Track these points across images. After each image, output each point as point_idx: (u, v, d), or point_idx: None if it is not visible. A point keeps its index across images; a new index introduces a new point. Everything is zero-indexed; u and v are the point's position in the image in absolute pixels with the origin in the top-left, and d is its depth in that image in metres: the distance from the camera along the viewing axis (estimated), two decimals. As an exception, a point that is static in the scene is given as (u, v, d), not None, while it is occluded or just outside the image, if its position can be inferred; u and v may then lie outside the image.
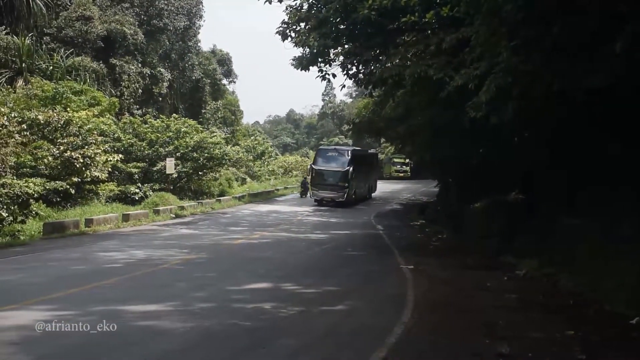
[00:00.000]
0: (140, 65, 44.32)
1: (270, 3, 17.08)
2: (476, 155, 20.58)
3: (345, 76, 18.10)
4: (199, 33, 54.73)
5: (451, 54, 13.44)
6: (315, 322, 9.65)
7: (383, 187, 63.00)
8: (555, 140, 15.56)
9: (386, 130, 32.22)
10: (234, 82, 70.21)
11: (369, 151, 52.91)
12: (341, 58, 17.35)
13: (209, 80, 57.40)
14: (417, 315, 10.09)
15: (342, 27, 16.63)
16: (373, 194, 47.38)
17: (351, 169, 37.71)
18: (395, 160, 71.85)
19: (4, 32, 34.90)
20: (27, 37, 36.62)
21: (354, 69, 18.05)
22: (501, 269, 14.77)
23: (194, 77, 53.76)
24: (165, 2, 47.29)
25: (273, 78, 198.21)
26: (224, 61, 65.41)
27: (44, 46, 38.48)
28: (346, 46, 17.26)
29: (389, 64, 16.39)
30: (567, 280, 12.52)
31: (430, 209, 32.10)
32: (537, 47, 10.25)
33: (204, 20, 65.55)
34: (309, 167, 41.88)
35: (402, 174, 73.32)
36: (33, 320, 8.96)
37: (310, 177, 40.30)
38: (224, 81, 65.16)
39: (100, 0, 43.80)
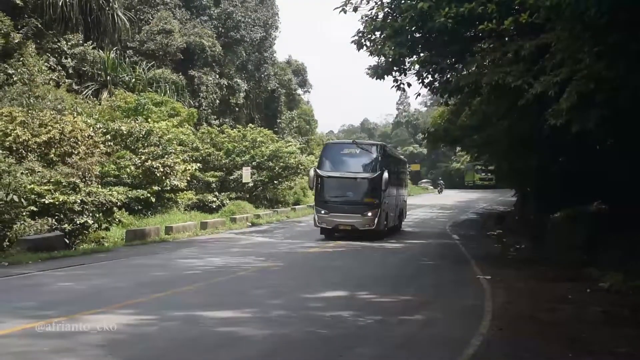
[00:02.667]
0: (217, 76, 45.33)
1: (345, 13, 17.12)
2: (556, 164, 20.03)
3: (421, 85, 17.97)
4: (274, 44, 55.61)
5: (530, 61, 13.16)
6: (392, 331, 9.57)
7: (458, 196, 62.24)
8: (641, 148, 14.96)
9: (462, 139, 31.77)
10: (309, 92, 70.80)
11: (398, 154, 38.43)
12: (417, 67, 17.22)
13: (284, 90, 58.08)
14: (496, 327, 9.87)
15: (417, 35, 16.52)
16: (404, 220, 32.10)
17: (385, 174, 24.42)
18: (480, 167, 65.61)
19: (91, 47, 36.38)
20: (112, 51, 38.11)
21: (430, 77, 17.89)
22: (584, 282, 14.25)
23: (269, 88, 54.49)
24: (242, 14, 48.20)
25: (347, 88, 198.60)
26: (299, 71, 66.07)
27: (127, 59, 39.93)
28: (422, 55, 17.13)
29: (466, 72, 16.20)
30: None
31: (508, 218, 31.42)
32: (623, 52, 9.91)
33: (280, 31, 66.40)
34: (310, 173, 25.81)
35: (487, 182, 69.86)
36: (118, 324, 9.27)
37: (314, 190, 25.98)
38: (299, 91, 65.86)
39: (180, 14, 45.08)
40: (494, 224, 30.70)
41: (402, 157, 40.15)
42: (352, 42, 17.37)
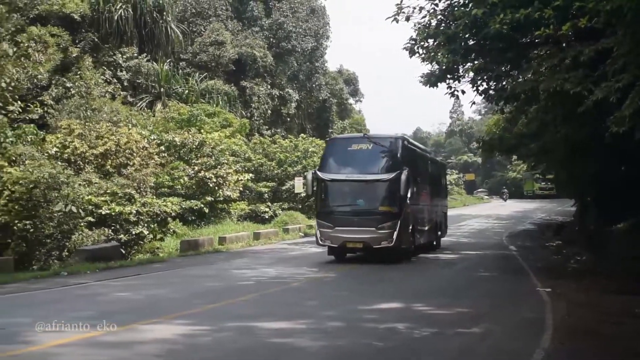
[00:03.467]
0: (269, 86, 45.64)
1: (397, 22, 16.98)
2: (618, 173, 19.43)
3: (475, 92, 17.67)
4: (325, 54, 55.65)
5: (589, 67, 12.76)
6: (449, 344, 9.35)
7: (515, 206, 61.11)
8: None
9: (518, 148, 31.16)
10: (360, 101, 70.68)
11: (431, 154, 30.94)
12: (471, 74, 16.95)
13: (335, 100, 58.09)
14: (558, 341, 9.53)
15: (471, 42, 16.26)
16: (444, 237, 26.85)
17: (406, 175, 19.04)
18: (539, 176, 61.65)
19: (145, 60, 37.08)
20: (166, 63, 38.77)
21: (484, 84, 17.59)
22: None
23: (321, 97, 54.58)
24: (294, 24, 48.45)
25: (399, 97, 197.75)
26: (351, 81, 66.06)
27: (180, 71, 40.59)
28: (476, 62, 16.86)
29: (522, 79, 15.84)
30: None
31: (567, 229, 30.64)
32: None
33: (331, 41, 66.54)
34: (308, 177, 21.06)
35: (547, 192, 67.65)
36: (174, 334, 9.32)
37: (315, 198, 21.27)
38: (351, 100, 65.84)
39: (232, 25, 45.61)
40: (553, 234, 29.97)
41: (435, 156, 32.46)
42: (404, 48, 17.21)
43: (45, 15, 32.97)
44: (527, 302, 13.35)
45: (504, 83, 17.25)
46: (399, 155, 19.81)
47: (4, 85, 22.47)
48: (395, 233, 18.89)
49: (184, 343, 8.97)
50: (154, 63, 38.04)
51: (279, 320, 10.63)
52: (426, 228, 22.82)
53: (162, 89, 38.03)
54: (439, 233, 25.51)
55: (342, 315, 11.29)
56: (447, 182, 32.83)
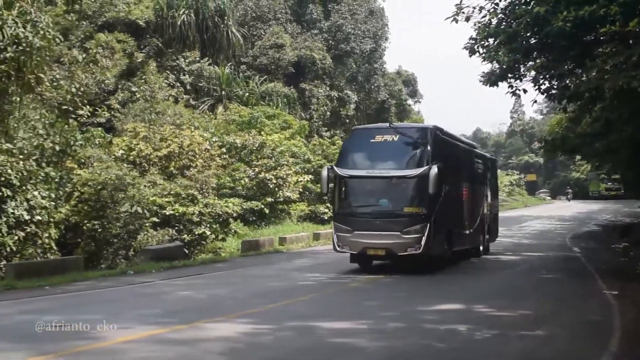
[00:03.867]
0: (328, 88, 45.81)
1: (457, 22, 16.87)
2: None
3: (537, 91, 17.38)
4: (384, 55, 55.44)
5: (657, 64, 12.44)
6: (511, 346, 9.22)
7: (578, 207, 59.61)
8: None
9: (582, 147, 30.44)
10: (419, 102, 70.14)
11: (476, 148, 26.56)
12: (533, 73, 16.70)
13: (394, 101, 57.80)
14: (627, 345, 9.29)
15: (533, 41, 16.02)
16: (493, 242, 24.59)
17: (434, 171, 16.27)
18: (605, 176, 59.73)
19: (207, 63, 37.82)
20: (227, 67, 39.44)
21: (547, 83, 17.30)
22: None
23: (379, 99, 54.42)
24: (352, 26, 48.48)
25: (458, 97, 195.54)
26: (409, 81, 65.63)
27: (240, 74, 41.20)
28: (538, 60, 16.59)
29: (586, 78, 15.52)
30: None
31: (635, 231, 29.74)
32: None
33: (390, 42, 66.30)
34: (323, 173, 17.99)
35: (614, 192, 65.38)
36: (236, 332, 9.51)
37: (333, 197, 18.46)
38: (409, 101, 65.40)
39: (291, 28, 45.96)
40: (619, 236, 29.12)
41: (480, 150, 28.19)
42: (464, 48, 17.08)
43: (112, 22, 34.13)
44: (593, 305, 13.04)
45: (567, 82, 16.93)
46: (429, 147, 17.11)
47: (74, 90, 23.29)
48: (424, 238, 16.38)
49: (246, 342, 9.13)
50: (216, 67, 38.74)
51: (338, 320, 10.70)
52: (467, 232, 20.36)
53: (223, 92, 38.67)
54: (487, 237, 22.80)
55: (402, 315, 11.28)
56: (498, 180, 28.98)
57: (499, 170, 37.56)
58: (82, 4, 33.91)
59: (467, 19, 16.30)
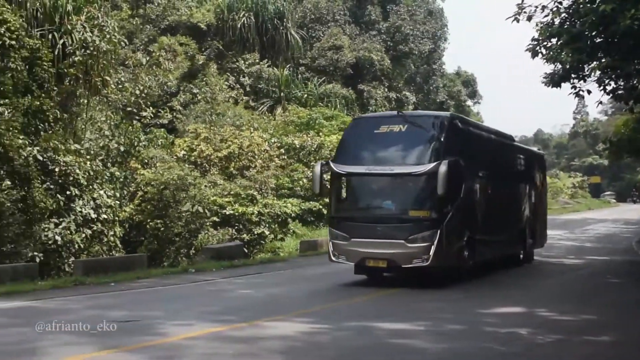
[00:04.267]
0: (386, 89, 45.69)
1: (518, 22, 16.63)
2: None
3: (602, 92, 16.96)
4: (443, 55, 55.04)
5: None
6: (575, 352, 9.00)
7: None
8: None
9: (650, 149, 29.59)
10: (479, 103, 69.25)
11: (513, 140, 21.33)
12: (597, 73, 16.31)
13: (453, 102, 57.22)
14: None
15: (598, 40, 15.66)
16: (539, 247, 21.76)
17: (445, 167, 13.52)
18: None
19: (266, 65, 38.26)
20: (285, 69, 39.77)
21: (613, 84, 16.87)
22: None
23: (438, 100, 53.98)
24: (411, 27, 48.23)
25: (518, 98, 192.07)
26: (469, 82, 64.87)
27: (299, 76, 41.47)
28: (603, 60, 16.20)
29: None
30: None
31: None
32: None
33: (449, 43, 65.58)
34: (316, 170, 15.42)
35: None
36: (295, 331, 9.62)
37: (330, 199, 16.17)
38: (469, 102, 64.64)
39: (349, 29, 46.02)
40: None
41: (520, 145, 23.87)
42: (526, 50, 16.80)
43: (175, 25, 34.97)
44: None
45: (635, 82, 16.48)
46: (442, 139, 14.46)
47: (138, 92, 23.99)
48: (433, 248, 13.77)
49: (304, 340, 9.21)
50: (275, 68, 39.12)
51: (397, 321, 10.67)
52: (499, 238, 17.59)
53: (282, 94, 39.00)
54: (530, 242, 20.07)
55: (461, 318, 11.17)
56: (546, 179, 25.25)
57: (560, 172, 35.83)
58: (146, 9, 34.90)
59: (529, 19, 16.04)
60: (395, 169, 14.33)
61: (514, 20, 16.25)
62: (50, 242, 17.41)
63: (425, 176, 13.94)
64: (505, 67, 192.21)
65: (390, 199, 14.89)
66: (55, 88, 19.50)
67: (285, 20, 40.82)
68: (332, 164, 15.00)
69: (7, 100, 17.35)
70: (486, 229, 16.28)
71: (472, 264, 15.47)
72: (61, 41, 20.46)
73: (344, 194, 15.61)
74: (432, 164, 13.70)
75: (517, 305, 12.61)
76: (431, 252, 13.74)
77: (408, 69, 49.63)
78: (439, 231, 13.84)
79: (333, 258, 14.92)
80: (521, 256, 19.48)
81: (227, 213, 21.79)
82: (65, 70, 20.14)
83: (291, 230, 24.03)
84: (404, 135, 14.82)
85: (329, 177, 15.44)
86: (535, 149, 29.43)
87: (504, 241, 18.10)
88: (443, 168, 13.45)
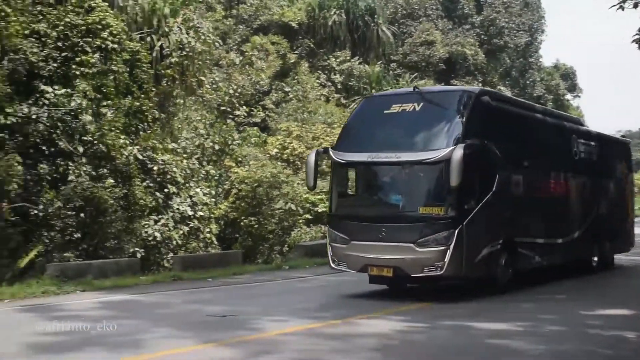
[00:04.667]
0: (480, 84, 44.72)
1: (623, 10, 15.77)
2: None
3: None
4: (540, 48, 53.58)
5: None
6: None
7: None
8: None
9: None
10: (579, 97, 66.79)
11: (577, 123, 18.66)
12: None
13: (551, 96, 55.37)
14: None
15: None
16: (624, 252, 19.18)
17: (458, 154, 10.91)
18: None
19: (357, 62, 38.19)
20: (377, 65, 39.55)
21: None
22: None
23: (535, 94, 52.38)
24: (506, 20, 47.09)
25: (623, 91, 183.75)
26: (568, 75, 62.67)
27: (390, 72, 41.21)
28: None
29: None
30: None
31: None
32: None
33: (546, 35, 63.56)
34: (310, 160, 12.89)
35: None
36: (390, 329, 9.46)
37: (330, 196, 13.77)
38: (568, 96, 62.44)
39: (442, 24, 45.36)
40: None
41: (588, 129, 18.86)
42: (632, 41, 15.92)
43: (267, 25, 35.44)
44: None
45: None
46: (465, 119, 11.88)
47: (231, 91, 24.44)
48: (449, 252, 11.35)
49: (400, 339, 9.04)
50: (366, 65, 38.96)
51: (495, 322, 10.29)
52: (555, 241, 14.96)
53: (373, 90, 38.79)
54: (607, 245, 17.31)
55: (562, 319, 10.65)
56: (630, 172, 20.59)
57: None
58: (239, 9, 35.55)
59: (636, 5, 15.16)
60: (403, 156, 11.82)
61: (619, 8, 15.43)
62: (150, 239, 17.97)
63: (438, 164, 11.44)
64: (608, 59, 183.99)
65: (397, 192, 12.57)
66: (153, 89, 20.13)
67: (376, 16, 40.63)
68: (331, 152, 12.76)
69: (109, 101, 18.03)
70: (534, 231, 14.06)
71: (511, 272, 13.00)
72: (159, 43, 21.14)
73: (343, 188, 13.44)
74: (448, 149, 11.22)
75: (621, 307, 11.85)
76: (446, 259, 11.35)
77: (503, 63, 48.45)
78: (456, 232, 11.38)
79: (333, 265, 12.77)
80: (594, 261, 16.80)
81: (319, 210, 21.82)
82: (163, 71, 20.77)
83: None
84: (419, 115, 12.35)
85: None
86: (618, 136, 26.02)
87: (565, 245, 15.30)
88: (458, 153, 10.98)
